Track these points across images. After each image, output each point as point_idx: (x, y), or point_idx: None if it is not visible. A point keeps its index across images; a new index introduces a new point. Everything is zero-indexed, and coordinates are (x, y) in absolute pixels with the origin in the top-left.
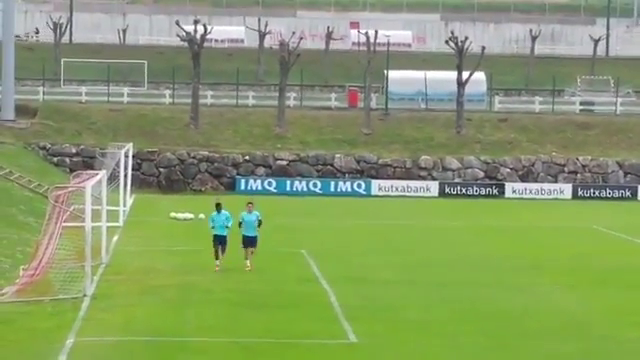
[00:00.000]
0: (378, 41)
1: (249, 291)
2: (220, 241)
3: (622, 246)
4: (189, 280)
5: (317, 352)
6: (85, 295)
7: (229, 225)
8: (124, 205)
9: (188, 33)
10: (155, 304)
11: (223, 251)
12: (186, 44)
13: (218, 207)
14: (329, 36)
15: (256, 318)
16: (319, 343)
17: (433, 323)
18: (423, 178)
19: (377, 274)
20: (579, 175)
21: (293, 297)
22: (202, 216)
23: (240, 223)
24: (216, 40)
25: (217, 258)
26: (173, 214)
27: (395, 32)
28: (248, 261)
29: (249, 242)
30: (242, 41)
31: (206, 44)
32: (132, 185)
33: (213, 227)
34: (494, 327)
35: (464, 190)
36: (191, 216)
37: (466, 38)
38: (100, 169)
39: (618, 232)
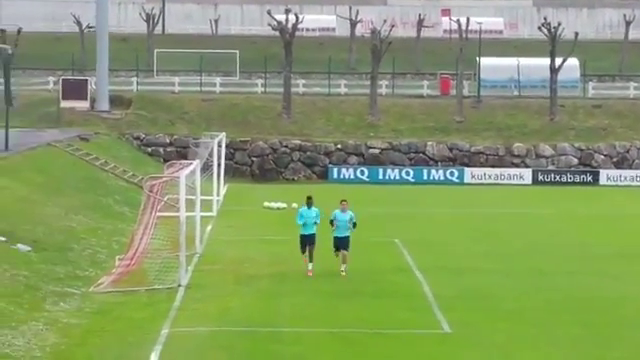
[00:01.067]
0: (470, 28)
1: (342, 281)
2: (309, 241)
3: None
4: (283, 269)
5: (411, 342)
6: (180, 285)
7: (318, 222)
8: (218, 194)
9: (279, 22)
10: (249, 294)
11: (311, 253)
12: (278, 33)
13: (309, 202)
14: (420, 24)
15: (350, 308)
16: (413, 333)
17: (528, 312)
18: (516, 165)
19: (470, 263)
20: None
21: (387, 287)
22: (295, 205)
23: (332, 221)
24: (307, 29)
25: (310, 260)
26: (266, 203)
27: (487, 19)
28: (343, 265)
29: (341, 244)
30: (333, 30)
31: (297, 33)
32: (225, 174)
33: (304, 224)
34: (590, 316)
35: (558, 177)
36: (284, 205)
37: (559, 24)
38: (194, 159)
39: None
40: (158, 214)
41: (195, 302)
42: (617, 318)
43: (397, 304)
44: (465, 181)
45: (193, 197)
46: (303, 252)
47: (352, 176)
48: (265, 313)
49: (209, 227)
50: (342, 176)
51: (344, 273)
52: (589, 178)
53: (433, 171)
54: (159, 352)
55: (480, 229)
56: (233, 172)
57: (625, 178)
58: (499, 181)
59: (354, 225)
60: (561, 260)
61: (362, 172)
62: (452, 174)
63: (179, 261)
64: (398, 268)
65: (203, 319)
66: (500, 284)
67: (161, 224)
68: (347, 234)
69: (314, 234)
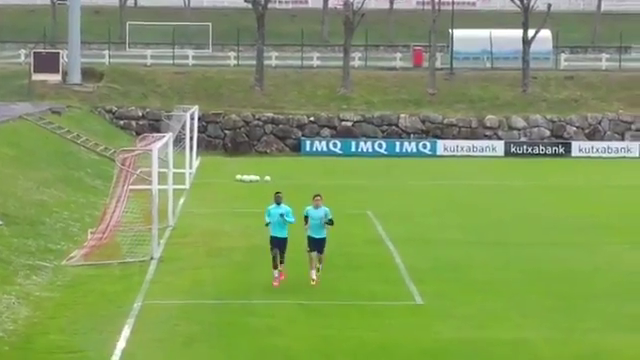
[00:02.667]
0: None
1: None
2: (278, 244)
3: None
4: (255, 242)
5: (383, 314)
6: (152, 258)
7: (291, 221)
8: (190, 167)
9: None
10: (222, 266)
11: (282, 258)
12: (250, 5)
13: (278, 199)
14: None
15: (322, 280)
16: (385, 305)
17: (500, 284)
18: (489, 138)
19: (443, 235)
20: None
21: (359, 259)
22: (268, 178)
23: (306, 218)
24: (280, 1)
25: (275, 267)
26: (239, 176)
27: None
28: (314, 272)
29: (315, 244)
30: (306, 2)
31: (270, 5)
32: (198, 147)
33: (269, 224)
34: (562, 287)
35: (530, 149)
36: (257, 178)
37: None
38: (166, 132)
39: None
40: (130, 187)
41: (168, 275)
42: (590, 289)
43: (369, 276)
44: (438, 153)
45: (165, 170)
46: (274, 256)
47: (325, 149)
48: (238, 285)
49: (181, 200)
50: (315, 149)
51: (314, 282)
52: (561, 150)
53: (406, 143)
54: (132, 325)
55: (453, 201)
56: (206, 145)
57: (597, 150)
58: (472, 153)
59: (330, 222)
60: (533, 232)
61: (335, 145)
62: (425, 146)
63: (151, 234)
64: (370, 240)
65: (176, 292)
66: (472, 256)
67: (133, 197)
68: (323, 235)
69: (285, 238)
